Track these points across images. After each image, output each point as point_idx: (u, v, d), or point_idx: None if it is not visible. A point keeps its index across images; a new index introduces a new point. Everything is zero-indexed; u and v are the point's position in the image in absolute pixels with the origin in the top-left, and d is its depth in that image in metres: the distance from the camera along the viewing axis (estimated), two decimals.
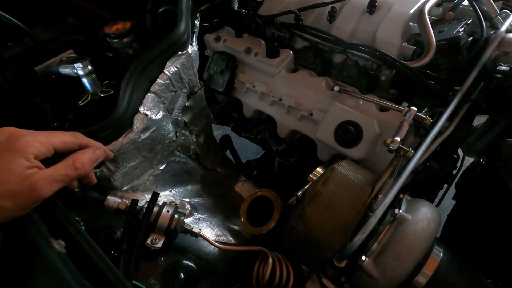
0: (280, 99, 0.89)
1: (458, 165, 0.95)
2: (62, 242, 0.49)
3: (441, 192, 0.93)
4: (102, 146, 0.58)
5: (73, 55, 0.78)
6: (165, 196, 0.78)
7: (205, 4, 1.01)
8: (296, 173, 0.93)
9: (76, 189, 0.59)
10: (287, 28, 0.91)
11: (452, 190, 0.95)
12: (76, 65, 0.69)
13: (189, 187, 0.86)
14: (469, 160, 1.01)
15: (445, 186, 0.94)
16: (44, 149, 0.48)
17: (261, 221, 0.73)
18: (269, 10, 0.98)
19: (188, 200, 0.82)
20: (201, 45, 1.03)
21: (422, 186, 0.80)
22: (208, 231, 0.76)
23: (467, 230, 0.81)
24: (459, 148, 0.87)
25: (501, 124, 0.96)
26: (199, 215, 0.79)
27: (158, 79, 0.67)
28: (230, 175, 1.00)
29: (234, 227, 0.82)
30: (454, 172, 0.90)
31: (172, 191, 0.81)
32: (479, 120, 1.02)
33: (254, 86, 0.93)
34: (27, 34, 0.78)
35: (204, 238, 0.66)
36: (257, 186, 1.03)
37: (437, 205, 1.00)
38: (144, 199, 0.72)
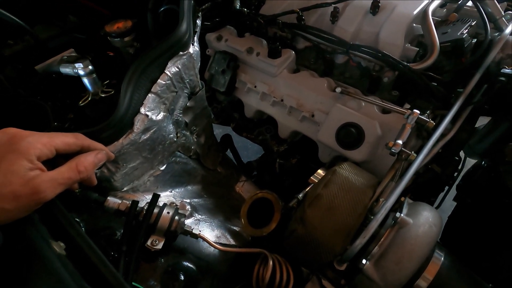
0: (282, 100, 0.89)
1: (460, 167, 0.94)
2: (62, 244, 0.49)
3: (442, 194, 0.93)
4: (104, 148, 0.58)
5: (74, 54, 0.78)
6: (165, 196, 0.78)
7: (206, 3, 1.01)
8: (297, 175, 0.92)
9: (77, 190, 0.59)
10: (289, 28, 0.90)
11: (453, 191, 0.94)
12: (76, 65, 0.68)
13: (189, 187, 0.86)
14: (470, 162, 1.00)
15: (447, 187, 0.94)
16: (47, 151, 0.48)
17: (262, 222, 0.73)
18: (271, 9, 0.97)
19: (188, 200, 0.81)
20: (203, 44, 1.02)
21: (423, 189, 0.80)
22: (208, 232, 0.76)
23: (467, 232, 0.81)
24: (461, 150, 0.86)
25: (503, 126, 0.96)
26: (200, 216, 0.79)
27: (159, 80, 0.67)
28: (230, 175, 1.00)
29: (235, 228, 0.82)
30: (456, 174, 0.89)
31: (173, 191, 0.81)
32: (482, 121, 1.02)
33: (255, 86, 0.93)
34: (27, 32, 0.77)
35: (205, 240, 0.66)
36: (257, 187, 1.03)
37: (437, 207, 1.00)
38: (144, 199, 0.71)
